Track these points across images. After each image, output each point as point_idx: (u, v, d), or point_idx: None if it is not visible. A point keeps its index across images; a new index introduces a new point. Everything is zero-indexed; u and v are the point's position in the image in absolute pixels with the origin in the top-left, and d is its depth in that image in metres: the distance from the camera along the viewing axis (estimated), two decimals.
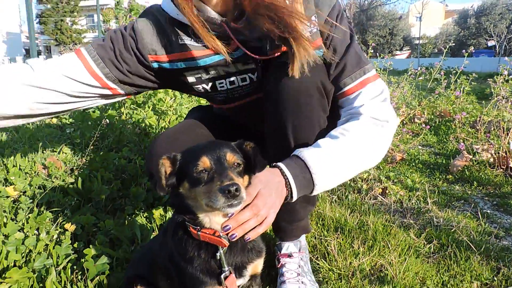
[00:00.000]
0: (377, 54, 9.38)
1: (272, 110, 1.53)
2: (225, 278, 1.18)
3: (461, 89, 5.70)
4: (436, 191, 3.08)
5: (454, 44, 5.88)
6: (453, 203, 2.92)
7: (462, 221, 2.51)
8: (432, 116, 5.91)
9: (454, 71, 5.95)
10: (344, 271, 1.92)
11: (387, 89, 1.55)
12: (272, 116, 1.55)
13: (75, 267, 1.74)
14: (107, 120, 3.37)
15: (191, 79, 1.62)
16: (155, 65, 1.57)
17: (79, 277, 1.71)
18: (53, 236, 1.89)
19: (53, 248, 1.78)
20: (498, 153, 3.67)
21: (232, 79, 1.60)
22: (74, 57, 1.50)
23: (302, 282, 1.74)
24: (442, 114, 5.86)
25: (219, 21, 1.45)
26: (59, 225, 1.96)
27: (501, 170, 3.57)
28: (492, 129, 4.35)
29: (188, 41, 1.52)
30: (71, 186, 2.36)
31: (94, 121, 3.94)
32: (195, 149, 1.17)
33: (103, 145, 3.28)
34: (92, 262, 1.66)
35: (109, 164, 2.76)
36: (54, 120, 4.19)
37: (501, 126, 4.07)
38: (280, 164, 1.32)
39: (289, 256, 1.81)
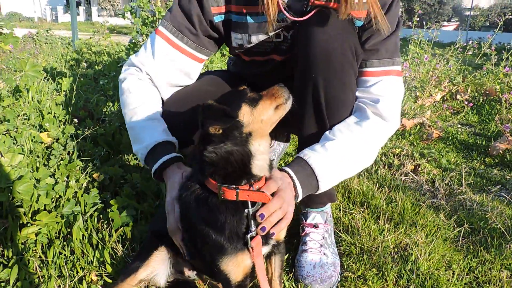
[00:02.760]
0: (423, 23, 8.80)
1: (302, 67, 1.50)
2: (251, 239, 1.16)
3: None
4: (472, 174, 2.92)
5: (511, 16, 5.38)
6: (489, 187, 2.76)
7: (497, 207, 2.39)
8: (476, 94, 5.55)
9: (508, 47, 5.50)
10: (367, 246, 1.88)
11: (403, 91, 1.58)
12: (302, 73, 1.51)
13: (101, 216, 1.79)
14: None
15: (235, 34, 1.64)
16: (217, 18, 1.60)
17: (105, 226, 1.76)
18: (82, 184, 1.94)
19: (82, 196, 1.82)
20: None
21: (271, 34, 1.59)
22: (159, 40, 1.59)
23: (324, 254, 1.72)
24: (488, 92, 5.48)
25: None
26: (88, 174, 2.01)
27: None
28: None
29: None
30: (102, 137, 2.39)
31: None
32: (226, 92, 1.26)
33: None
34: (117, 213, 1.70)
35: None
36: (90, 71, 4.24)
37: None
38: (288, 169, 1.36)
39: (315, 226, 1.79)
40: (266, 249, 1.26)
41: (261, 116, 1.12)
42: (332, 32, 1.44)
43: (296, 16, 1.48)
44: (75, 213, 1.72)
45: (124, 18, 4.25)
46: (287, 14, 1.47)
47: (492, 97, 5.39)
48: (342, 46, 1.44)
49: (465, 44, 5.79)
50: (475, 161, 3.30)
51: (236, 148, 1.11)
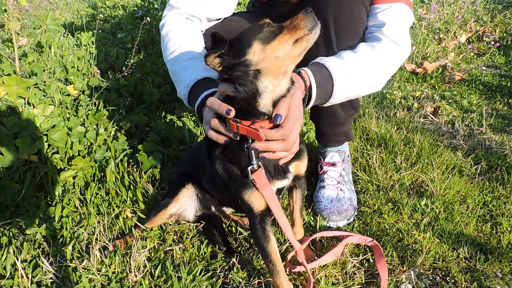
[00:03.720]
0: None
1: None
2: (253, 172, 1.20)
3: None
4: (494, 115, 2.89)
5: None
6: (511, 128, 2.74)
7: None
8: (505, 35, 5.28)
9: None
10: (383, 184, 1.95)
11: (412, 19, 1.56)
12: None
13: (130, 160, 1.91)
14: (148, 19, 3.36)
15: None
16: None
17: (134, 169, 1.89)
18: (110, 132, 2.05)
19: (111, 142, 1.94)
20: None
21: None
22: None
23: (341, 190, 1.81)
24: None
25: None
26: (115, 122, 2.11)
27: None
28: None
29: None
30: (124, 87, 2.47)
31: (143, 26, 3.95)
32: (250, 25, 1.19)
33: (153, 50, 3.33)
34: (145, 156, 1.81)
35: (159, 69, 2.82)
36: (107, 25, 4.25)
37: None
38: (306, 69, 1.32)
39: (332, 164, 1.86)
40: (285, 183, 1.33)
41: (275, 53, 1.06)
42: None
43: None
44: (107, 158, 1.85)
45: None
46: None
47: None
48: None
49: None
50: (498, 102, 3.24)
51: (244, 89, 1.09)
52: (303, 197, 1.48)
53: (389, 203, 1.82)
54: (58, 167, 1.78)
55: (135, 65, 2.77)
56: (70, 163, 1.78)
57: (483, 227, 1.71)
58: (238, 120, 1.15)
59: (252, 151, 1.19)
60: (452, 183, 1.94)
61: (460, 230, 1.67)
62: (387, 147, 2.29)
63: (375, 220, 1.72)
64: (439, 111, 2.88)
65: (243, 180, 1.25)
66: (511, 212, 1.80)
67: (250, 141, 1.18)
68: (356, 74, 1.40)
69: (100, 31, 3.63)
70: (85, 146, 1.90)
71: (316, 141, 2.08)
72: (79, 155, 1.84)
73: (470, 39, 5.13)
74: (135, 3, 6.22)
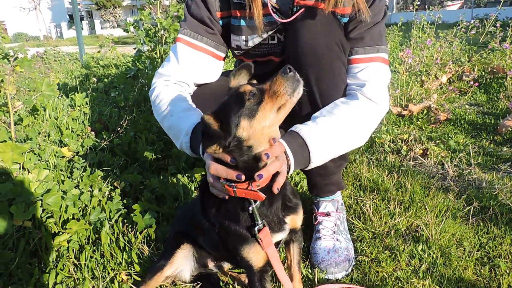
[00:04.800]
0: (426, 6, 8.73)
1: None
2: (259, 231, 1.23)
3: None
4: (481, 153, 2.96)
5: None
6: (499, 165, 2.80)
7: (507, 184, 2.43)
8: (483, 73, 5.53)
9: (510, 23, 5.46)
10: (379, 231, 1.96)
11: (390, 76, 1.64)
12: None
13: (125, 220, 1.91)
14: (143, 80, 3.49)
15: (233, 36, 1.75)
16: (221, 22, 1.71)
17: (129, 229, 1.88)
18: (105, 192, 2.06)
19: (106, 203, 1.95)
20: None
21: (264, 36, 1.70)
22: (181, 45, 1.70)
23: (337, 239, 1.81)
24: (495, 70, 5.46)
25: None
26: (109, 183, 2.13)
27: None
28: None
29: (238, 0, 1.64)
30: (118, 147, 2.52)
31: (135, 85, 4.09)
32: (229, 93, 1.21)
33: (146, 107, 3.42)
34: (140, 216, 1.81)
35: (152, 126, 2.89)
36: (100, 84, 4.39)
37: None
38: (280, 140, 1.36)
39: (327, 214, 1.87)
40: (282, 236, 1.34)
41: (261, 124, 1.10)
42: (316, 29, 1.54)
43: (284, 18, 1.58)
44: (101, 220, 1.84)
45: (128, 32, 4.38)
46: (275, 17, 1.57)
47: (499, 75, 5.37)
48: (327, 41, 1.53)
49: (467, 24, 5.76)
50: (484, 140, 3.33)
51: (241, 159, 1.16)
52: (300, 250, 1.48)
53: (386, 251, 1.81)
54: (52, 231, 1.77)
55: (129, 123, 2.84)
56: (64, 226, 1.78)
57: (482, 270, 1.70)
58: (233, 184, 1.18)
59: (257, 212, 1.22)
60: (446, 226, 1.95)
61: (459, 275, 1.66)
62: (380, 192, 2.32)
63: (374, 269, 1.71)
64: (428, 152, 2.95)
65: (242, 237, 1.26)
66: (508, 253, 1.80)
67: (253, 202, 1.22)
68: (332, 137, 1.47)
69: (93, 93, 3.74)
70: (80, 208, 1.90)
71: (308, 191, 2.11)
72: (73, 218, 1.84)
73: (450, 79, 5.36)
74: (127, 61, 6.48)
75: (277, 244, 1.36)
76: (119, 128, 2.84)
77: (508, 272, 1.68)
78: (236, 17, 1.68)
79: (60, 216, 1.80)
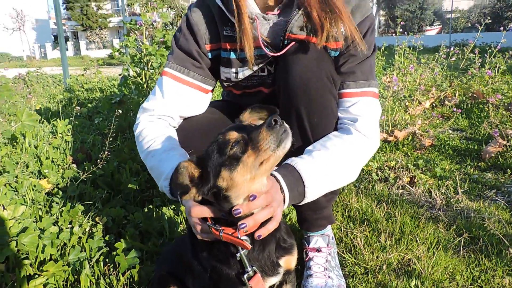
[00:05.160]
0: (406, 31, 9.03)
1: (284, 98, 1.58)
2: (249, 278, 1.18)
3: (496, 68, 5.41)
4: (467, 180, 2.98)
5: (490, 21, 5.54)
6: (485, 192, 2.81)
7: (494, 213, 2.43)
8: (464, 98, 5.67)
9: (489, 49, 5.65)
10: (371, 266, 1.91)
11: (380, 111, 1.64)
12: (285, 104, 1.58)
13: (107, 260, 1.81)
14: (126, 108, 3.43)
15: (223, 68, 1.73)
16: (210, 54, 1.69)
17: (111, 270, 1.78)
18: (85, 229, 1.97)
19: (86, 241, 1.85)
20: None
21: (254, 68, 1.69)
22: (167, 79, 1.67)
23: (329, 277, 1.75)
24: (475, 95, 5.60)
25: (254, 14, 1.55)
26: (91, 218, 2.04)
27: None
28: None
29: (229, 32, 1.62)
30: (101, 178, 2.43)
31: (119, 110, 4.02)
32: (216, 137, 1.16)
33: (131, 134, 3.35)
34: (123, 256, 1.72)
35: (136, 155, 2.82)
36: (84, 110, 4.30)
37: None
38: (276, 174, 1.34)
39: (318, 250, 1.82)
40: (276, 280, 1.28)
41: (243, 177, 1.05)
42: (307, 63, 1.52)
43: (274, 51, 1.57)
44: (81, 260, 1.75)
45: (114, 58, 4.35)
46: (266, 50, 1.56)
47: (480, 100, 5.51)
48: (318, 74, 1.52)
49: (448, 50, 5.94)
50: (469, 166, 3.36)
51: (219, 208, 1.13)
52: None
53: (380, 287, 1.76)
54: (27, 274, 1.67)
55: (113, 151, 2.76)
56: (41, 268, 1.67)
57: None
58: (220, 228, 1.13)
59: (245, 259, 1.17)
60: (438, 259, 1.92)
61: None
62: (370, 224, 2.28)
63: None
64: (415, 180, 2.95)
65: (234, 282, 1.20)
66: (500, 286, 1.77)
67: (240, 249, 1.16)
68: (327, 172, 1.44)
69: (76, 121, 3.65)
70: (58, 248, 1.80)
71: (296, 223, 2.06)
72: (51, 259, 1.74)
73: (433, 104, 5.47)
74: (112, 84, 6.41)
75: None
76: (102, 157, 2.76)
77: None
78: (226, 49, 1.66)
79: (36, 257, 1.69)
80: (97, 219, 2.03)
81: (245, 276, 1.18)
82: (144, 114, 1.68)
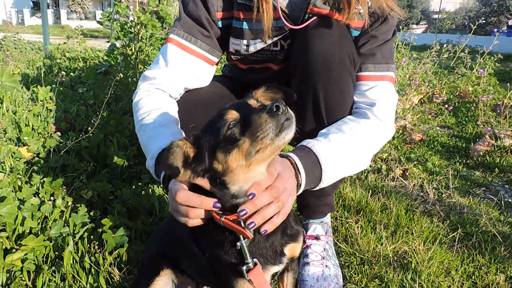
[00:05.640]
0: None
1: (301, 76, 1.48)
2: (249, 270, 1.08)
3: (486, 68, 5.47)
4: (457, 176, 2.98)
5: (484, 21, 5.57)
6: (474, 189, 2.83)
7: (487, 211, 2.44)
8: (451, 97, 5.72)
9: (480, 50, 5.70)
10: (367, 257, 1.87)
11: (397, 97, 1.58)
12: (302, 81, 1.49)
13: (92, 237, 1.69)
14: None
15: (233, 39, 1.61)
16: (220, 23, 1.57)
17: (96, 248, 1.66)
18: (68, 202, 1.83)
19: (69, 216, 1.72)
20: None
21: (268, 41, 1.58)
22: (172, 47, 1.54)
23: (326, 266, 1.69)
24: (461, 95, 5.66)
25: None
26: (74, 191, 1.90)
27: None
28: None
29: (244, 0, 1.50)
30: (86, 150, 2.28)
31: (106, 81, 3.81)
32: (216, 113, 1.05)
33: (117, 107, 3.18)
34: (110, 233, 1.60)
35: (124, 129, 2.67)
36: (67, 79, 4.07)
37: None
38: (292, 155, 1.24)
39: (316, 238, 1.76)
40: (278, 268, 1.20)
41: (237, 162, 0.96)
42: (331, 40, 1.43)
43: (293, 24, 1.46)
44: (64, 235, 1.62)
45: (102, 25, 4.10)
46: (285, 21, 1.45)
47: (466, 99, 5.57)
48: (340, 54, 1.43)
49: (439, 47, 5.95)
50: (458, 163, 3.37)
51: (217, 190, 1.04)
52: (294, 280, 1.35)
53: (376, 279, 1.72)
54: (4, 248, 1.53)
55: (99, 124, 2.60)
56: (19, 242, 1.54)
57: None
58: (221, 212, 1.04)
59: (246, 249, 1.07)
60: (434, 254, 1.90)
61: None
62: (365, 213, 2.24)
63: None
64: (407, 173, 2.93)
65: (234, 269, 1.11)
66: (494, 283, 1.76)
67: (241, 237, 1.06)
68: (344, 157, 1.36)
69: (59, 87, 3.44)
70: (39, 221, 1.66)
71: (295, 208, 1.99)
72: (31, 232, 1.60)
73: (422, 100, 5.49)
74: (96, 55, 6.12)
75: (273, 276, 1.22)
76: (87, 129, 2.60)
77: None
78: (238, 19, 1.53)
79: (14, 229, 1.55)
80: (81, 193, 1.90)
81: (245, 267, 1.07)
82: (144, 83, 1.55)
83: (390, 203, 2.35)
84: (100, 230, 1.67)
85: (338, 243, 1.97)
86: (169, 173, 1.04)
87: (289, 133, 0.92)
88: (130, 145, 2.46)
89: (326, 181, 1.32)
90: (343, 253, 1.91)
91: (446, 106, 4.51)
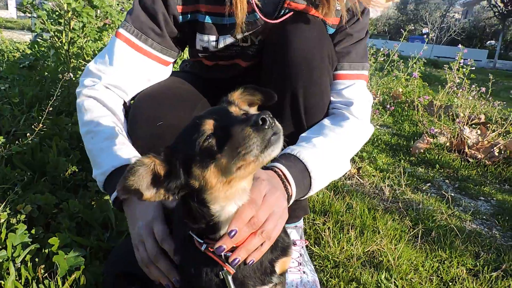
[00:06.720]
0: None
1: (279, 75, 1.38)
2: None
3: (416, 71, 5.89)
4: (404, 173, 3.11)
5: (412, 28, 6.00)
6: (421, 185, 2.97)
7: (436, 205, 2.57)
8: (386, 97, 6.06)
9: (411, 55, 6.12)
10: (340, 258, 1.83)
11: (371, 97, 1.55)
12: (278, 82, 1.39)
13: (37, 259, 1.41)
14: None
15: (200, 36, 1.47)
16: (183, 18, 1.41)
17: (42, 271, 1.39)
18: (1, 220, 1.52)
19: (6, 236, 1.42)
20: (456, 137, 3.83)
21: (238, 37, 1.45)
22: (120, 44, 1.37)
23: (304, 272, 1.62)
24: (394, 96, 6.03)
25: None
26: (9, 205, 1.59)
27: (457, 154, 3.74)
28: (448, 113, 4.54)
29: None
30: (18, 156, 1.94)
31: (32, 77, 3.36)
32: (191, 122, 0.92)
33: (51, 106, 2.79)
34: (62, 255, 1.35)
35: (62, 131, 2.35)
36: None
37: (454, 112, 4.26)
38: (279, 165, 1.16)
39: (293, 244, 1.67)
40: (269, 287, 1.09)
41: (216, 179, 0.85)
42: (310, 37, 1.36)
43: (267, 18, 1.37)
44: (2, 260, 1.33)
45: (25, 13, 3.62)
46: (261, 15, 1.35)
47: (399, 100, 5.95)
48: (321, 52, 1.37)
49: (376, 51, 6.29)
50: (402, 160, 3.54)
51: (195, 208, 0.92)
52: None
53: (353, 282, 1.68)
54: None
55: (31, 126, 2.25)
56: None
57: None
58: (203, 241, 0.94)
59: (230, 280, 0.94)
60: (402, 252, 1.92)
61: None
62: (332, 215, 2.21)
63: None
64: (361, 171, 2.99)
65: None
66: (460, 276, 1.83)
67: (226, 272, 0.95)
68: (331, 161, 1.30)
69: None
70: None
71: None
72: None
73: None
74: (13, 47, 5.43)
75: None
76: (15, 132, 2.24)
77: None
78: (206, 13, 1.39)
79: None
80: (18, 207, 1.59)
81: None
82: (88, 79, 1.37)
83: (353, 202, 2.36)
84: (46, 251, 1.41)
85: (310, 246, 1.91)
86: (127, 197, 0.92)
87: (276, 149, 0.80)
88: (70, 149, 2.16)
89: (315, 189, 1.26)
90: (316, 257, 1.85)
91: (388, 106, 4.73)
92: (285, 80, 1.36)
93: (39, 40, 3.74)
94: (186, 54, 2.84)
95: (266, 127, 0.78)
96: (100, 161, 1.24)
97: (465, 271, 1.88)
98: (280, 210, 1.01)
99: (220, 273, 0.95)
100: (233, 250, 0.94)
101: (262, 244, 0.97)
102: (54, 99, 2.07)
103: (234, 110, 0.93)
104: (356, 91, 1.46)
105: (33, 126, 1.85)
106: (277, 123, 0.80)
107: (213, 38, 1.45)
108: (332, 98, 1.47)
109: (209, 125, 0.85)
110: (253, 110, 1.05)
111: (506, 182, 3.25)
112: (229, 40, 1.46)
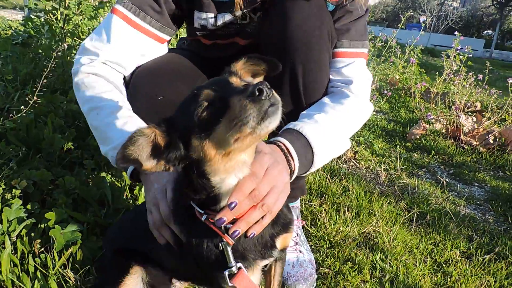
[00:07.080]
0: None
1: (277, 51, 1.35)
2: (233, 275, 0.96)
3: (414, 57, 5.86)
4: (400, 158, 3.13)
5: (411, 13, 5.94)
6: (416, 170, 2.99)
7: (431, 190, 2.59)
8: (383, 84, 6.05)
9: (409, 41, 6.08)
10: (336, 239, 1.84)
11: (371, 75, 1.53)
12: (278, 54, 1.33)
13: (32, 234, 1.41)
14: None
15: (199, 13, 1.44)
16: None
17: (38, 246, 1.38)
18: None
19: (1, 210, 1.41)
20: (451, 123, 3.84)
21: (237, 14, 1.43)
22: (117, 20, 1.34)
23: (300, 251, 1.63)
24: (391, 82, 6.02)
25: None
26: (3, 180, 1.57)
27: (452, 141, 3.76)
28: (444, 100, 4.54)
29: None
30: (12, 132, 1.91)
31: (25, 54, 3.30)
32: (190, 93, 0.90)
33: (46, 84, 2.74)
34: (59, 229, 1.34)
35: (57, 109, 2.31)
36: None
37: (451, 99, 4.26)
38: (283, 140, 1.15)
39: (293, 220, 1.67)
40: (268, 261, 1.09)
41: (215, 150, 0.84)
42: (310, 12, 1.33)
43: None
44: None
45: None
46: None
47: (396, 87, 5.93)
48: (320, 29, 1.34)
49: (372, 36, 6.23)
50: (398, 146, 3.55)
51: (196, 180, 0.91)
52: (282, 270, 1.25)
53: (349, 262, 1.70)
54: None
55: (26, 103, 2.21)
56: None
57: (435, 277, 1.71)
58: (203, 212, 0.94)
59: (230, 252, 0.95)
60: (397, 234, 1.94)
61: (420, 285, 1.64)
62: (328, 197, 2.22)
63: (341, 283, 1.57)
64: (357, 156, 2.99)
65: (217, 273, 0.98)
66: (454, 259, 1.85)
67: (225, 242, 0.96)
68: (333, 137, 1.29)
69: None
70: None
71: None
72: None
73: None
74: (8, 25, 5.31)
75: (262, 269, 1.10)
76: (10, 108, 2.20)
77: (458, 279, 1.71)
78: None
79: None
80: (13, 182, 1.57)
81: (227, 272, 0.96)
82: (85, 57, 1.34)
83: (350, 185, 2.37)
84: (42, 226, 1.40)
85: (307, 227, 1.91)
86: (126, 166, 0.89)
87: (274, 121, 0.78)
88: (66, 126, 2.13)
89: (318, 165, 1.24)
90: (312, 237, 1.86)
91: (385, 92, 4.72)
92: (284, 57, 1.33)
93: (32, 16, 3.66)
94: (183, 34, 2.80)
95: (263, 97, 0.76)
96: (110, 135, 1.20)
97: (458, 253, 1.90)
98: (282, 184, 1.00)
99: (220, 244, 0.96)
100: (234, 222, 0.93)
101: (263, 217, 0.96)
102: (48, 71, 2.02)
103: (235, 81, 0.91)
104: (355, 69, 1.44)
105: (27, 99, 1.81)
106: (275, 94, 0.78)
107: (211, 15, 1.42)
108: (331, 77, 1.45)
109: (206, 96, 0.84)
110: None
111: (500, 169, 3.28)
112: (227, 17, 1.43)
